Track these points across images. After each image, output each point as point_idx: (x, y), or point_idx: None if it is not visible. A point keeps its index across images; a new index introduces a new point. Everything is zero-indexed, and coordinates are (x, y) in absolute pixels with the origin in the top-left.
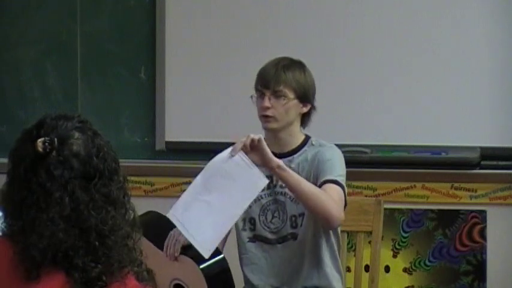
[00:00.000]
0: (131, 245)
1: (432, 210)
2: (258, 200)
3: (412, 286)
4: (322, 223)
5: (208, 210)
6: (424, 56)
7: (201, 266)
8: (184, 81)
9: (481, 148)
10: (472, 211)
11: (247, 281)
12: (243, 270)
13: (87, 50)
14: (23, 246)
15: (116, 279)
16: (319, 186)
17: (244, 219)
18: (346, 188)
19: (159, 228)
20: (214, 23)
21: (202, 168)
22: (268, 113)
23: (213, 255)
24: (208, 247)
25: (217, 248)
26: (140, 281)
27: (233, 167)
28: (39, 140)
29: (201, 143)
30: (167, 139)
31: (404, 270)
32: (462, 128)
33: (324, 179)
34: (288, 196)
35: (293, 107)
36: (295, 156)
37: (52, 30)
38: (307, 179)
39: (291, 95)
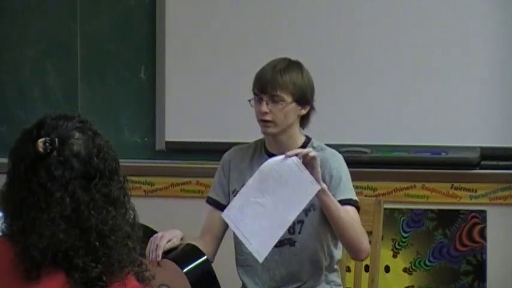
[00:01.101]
0: (131, 245)
1: (432, 210)
2: None
3: (412, 286)
4: (350, 253)
5: (263, 213)
6: (424, 56)
7: (185, 269)
8: (184, 81)
9: (481, 148)
10: (472, 211)
11: (242, 283)
12: (238, 272)
13: (87, 50)
14: (23, 247)
15: (116, 280)
16: None
17: None
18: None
19: (144, 238)
20: (214, 23)
21: (202, 168)
22: (267, 117)
23: (196, 257)
24: (263, 252)
25: (199, 250)
26: (140, 281)
27: (286, 170)
28: (40, 140)
29: (201, 143)
30: (167, 139)
31: (404, 270)
32: (462, 128)
33: (338, 198)
34: None
35: (291, 110)
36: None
37: (52, 30)
38: None
39: (289, 99)
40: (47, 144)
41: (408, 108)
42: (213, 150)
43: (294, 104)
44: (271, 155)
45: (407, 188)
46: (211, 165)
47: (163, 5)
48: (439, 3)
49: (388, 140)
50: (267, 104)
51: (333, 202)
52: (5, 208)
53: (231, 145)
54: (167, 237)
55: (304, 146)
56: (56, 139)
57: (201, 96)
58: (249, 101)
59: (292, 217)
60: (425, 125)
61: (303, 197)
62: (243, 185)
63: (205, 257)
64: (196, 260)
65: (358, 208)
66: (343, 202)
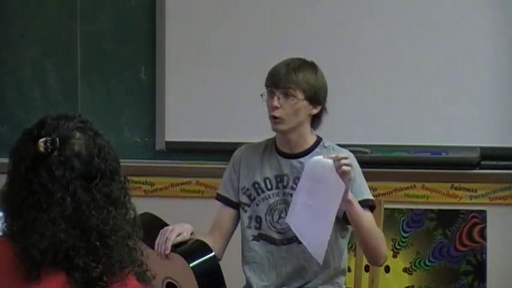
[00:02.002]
0: (132, 245)
1: (432, 210)
2: (265, 198)
3: (412, 286)
4: (369, 260)
5: (312, 214)
6: (424, 56)
7: (191, 264)
8: (184, 81)
9: (481, 148)
10: (472, 211)
11: (247, 280)
12: (243, 269)
13: (87, 50)
14: (24, 247)
15: (116, 280)
16: None
17: (250, 217)
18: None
19: (151, 228)
20: (214, 23)
21: (202, 168)
22: (276, 113)
23: (203, 253)
24: (321, 253)
25: (208, 246)
26: (141, 281)
27: (321, 170)
28: (41, 140)
29: (201, 143)
30: (167, 139)
31: (404, 270)
32: (462, 128)
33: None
34: None
35: (302, 107)
36: (306, 157)
37: (52, 30)
38: None
39: (301, 96)
40: (48, 144)
41: (408, 108)
42: (213, 150)
43: (305, 102)
44: (281, 154)
45: (407, 188)
46: (211, 165)
47: (163, 5)
48: (441, 4)
49: (388, 140)
50: (278, 98)
51: (356, 212)
52: (6, 208)
53: (231, 145)
54: (177, 231)
55: (315, 146)
56: (57, 139)
57: (201, 96)
58: (261, 95)
59: (333, 215)
60: (425, 125)
61: (337, 196)
62: (254, 183)
63: (212, 253)
64: (203, 256)
65: (373, 207)
66: (360, 204)
